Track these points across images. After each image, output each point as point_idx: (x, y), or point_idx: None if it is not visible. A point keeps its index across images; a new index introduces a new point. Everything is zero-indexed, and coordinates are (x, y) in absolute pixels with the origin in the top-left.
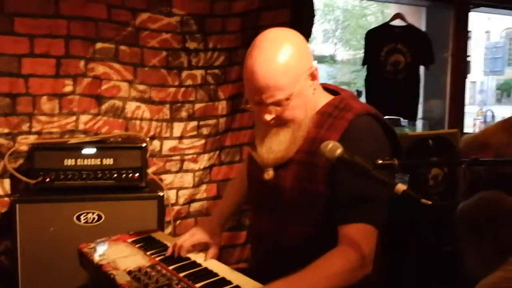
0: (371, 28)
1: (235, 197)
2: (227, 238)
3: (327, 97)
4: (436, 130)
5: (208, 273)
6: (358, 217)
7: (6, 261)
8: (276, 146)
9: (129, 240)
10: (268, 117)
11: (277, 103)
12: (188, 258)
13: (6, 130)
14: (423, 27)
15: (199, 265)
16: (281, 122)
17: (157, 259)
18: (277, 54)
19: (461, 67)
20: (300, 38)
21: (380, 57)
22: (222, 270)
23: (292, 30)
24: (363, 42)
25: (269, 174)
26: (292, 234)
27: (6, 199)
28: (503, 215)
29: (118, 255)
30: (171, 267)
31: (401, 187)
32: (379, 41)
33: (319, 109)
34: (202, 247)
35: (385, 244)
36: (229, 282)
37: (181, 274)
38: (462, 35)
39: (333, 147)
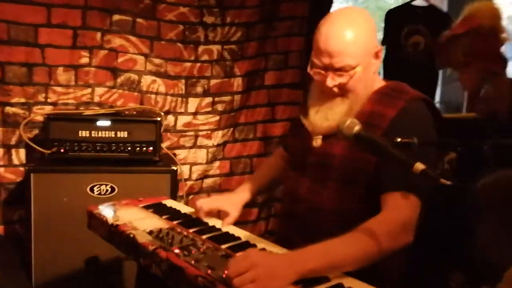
0: (392, 7)
1: (263, 179)
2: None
3: (381, 81)
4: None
5: (230, 236)
6: (403, 185)
7: (20, 229)
8: (332, 115)
9: (140, 206)
10: (331, 82)
11: (345, 69)
12: (207, 223)
13: (22, 100)
14: (445, 8)
15: (219, 229)
16: (342, 92)
17: (175, 222)
18: (353, 24)
19: None
20: (371, 19)
21: (400, 37)
22: (243, 235)
23: (364, 10)
24: (382, 24)
25: (318, 142)
26: (331, 201)
27: (21, 168)
28: None
29: (133, 217)
30: (191, 230)
31: (419, 166)
32: (400, 21)
33: (376, 89)
34: (217, 215)
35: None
36: (254, 245)
37: (204, 236)
38: None
39: (351, 124)
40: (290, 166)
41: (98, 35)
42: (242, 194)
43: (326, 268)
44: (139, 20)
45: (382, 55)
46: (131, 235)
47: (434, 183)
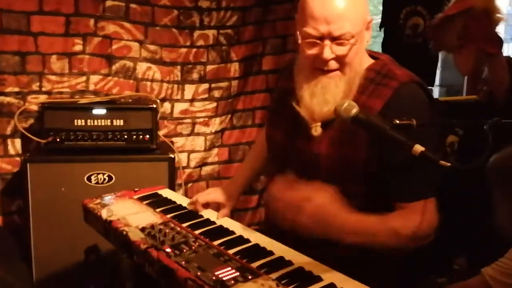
0: None
1: (255, 163)
2: (238, 201)
3: (369, 60)
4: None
5: (224, 231)
6: (423, 195)
7: (19, 219)
8: (332, 97)
9: (135, 197)
10: (329, 54)
11: (344, 37)
12: (201, 216)
13: (16, 89)
14: None
15: (213, 222)
16: (340, 65)
17: (169, 216)
18: None
19: None
20: None
21: (399, 20)
22: (237, 228)
23: None
24: (380, 7)
25: (318, 130)
26: None
27: (18, 158)
28: None
29: (127, 211)
30: (184, 225)
31: (419, 148)
32: (398, 3)
33: (364, 71)
34: (215, 207)
35: None
36: (247, 240)
37: (197, 232)
38: None
39: (348, 106)
40: (273, 163)
41: (91, 21)
42: (237, 184)
43: (358, 244)
44: (132, 5)
45: (371, 26)
46: (124, 233)
47: (433, 165)
